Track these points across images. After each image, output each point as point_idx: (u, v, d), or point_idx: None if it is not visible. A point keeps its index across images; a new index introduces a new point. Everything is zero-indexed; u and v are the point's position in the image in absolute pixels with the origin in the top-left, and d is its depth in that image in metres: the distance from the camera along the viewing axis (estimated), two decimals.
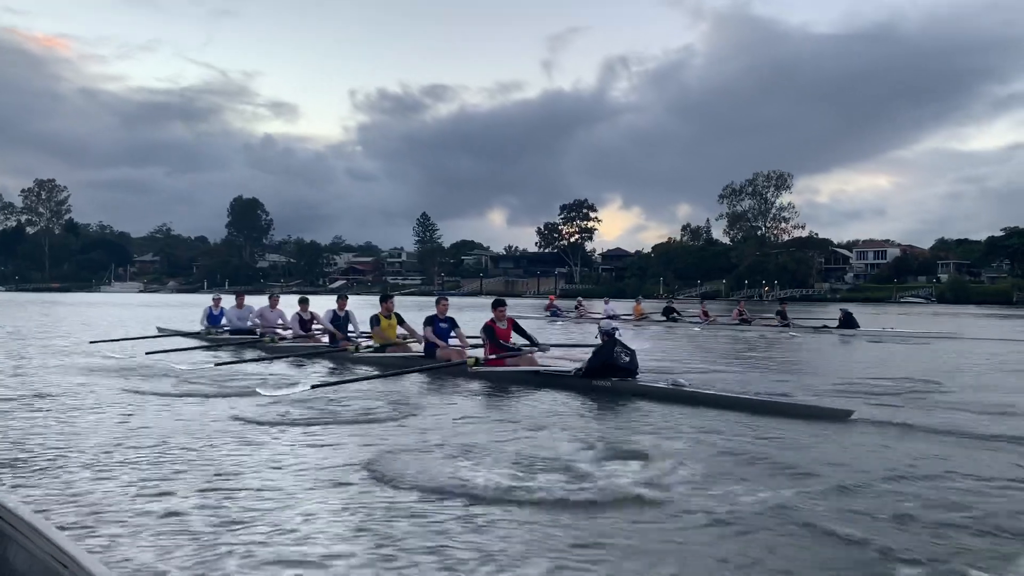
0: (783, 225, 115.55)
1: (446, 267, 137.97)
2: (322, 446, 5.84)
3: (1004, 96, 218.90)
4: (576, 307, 31.66)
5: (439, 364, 10.43)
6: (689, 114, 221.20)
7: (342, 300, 13.68)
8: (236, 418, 6.97)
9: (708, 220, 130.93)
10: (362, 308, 14.27)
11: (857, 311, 27.10)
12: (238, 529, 3.83)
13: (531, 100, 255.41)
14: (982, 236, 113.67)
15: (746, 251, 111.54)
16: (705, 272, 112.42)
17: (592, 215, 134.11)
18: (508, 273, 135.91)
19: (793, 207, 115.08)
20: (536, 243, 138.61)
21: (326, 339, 13.55)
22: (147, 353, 12.25)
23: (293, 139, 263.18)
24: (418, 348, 11.92)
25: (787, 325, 23.80)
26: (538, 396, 8.74)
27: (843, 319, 22.39)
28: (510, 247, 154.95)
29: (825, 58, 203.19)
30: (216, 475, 4.89)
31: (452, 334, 11.56)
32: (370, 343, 12.29)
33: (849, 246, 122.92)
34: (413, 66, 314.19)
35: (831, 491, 4.65)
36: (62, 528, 2.83)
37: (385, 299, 12.54)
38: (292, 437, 6.19)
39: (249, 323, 15.38)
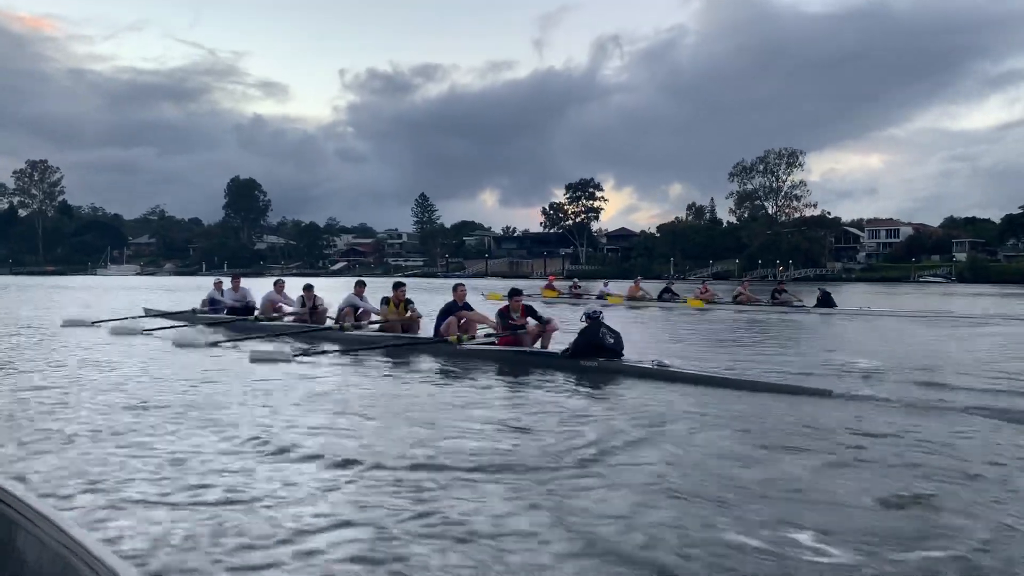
0: (795, 204, 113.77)
1: (448, 248, 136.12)
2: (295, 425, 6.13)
3: (996, 74, 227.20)
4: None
5: (422, 340, 11.00)
6: (681, 94, 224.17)
7: (360, 287, 13.98)
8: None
9: (712, 199, 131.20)
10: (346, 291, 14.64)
11: (875, 292, 27.74)
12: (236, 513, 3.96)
13: (522, 80, 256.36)
14: (975, 215, 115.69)
15: (757, 230, 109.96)
16: (713, 252, 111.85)
17: (598, 194, 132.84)
18: (512, 254, 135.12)
19: (805, 185, 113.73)
20: (541, 223, 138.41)
21: (329, 321, 14.09)
22: (144, 331, 13.43)
23: (283, 119, 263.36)
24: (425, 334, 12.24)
25: (783, 303, 24.75)
26: (526, 375, 9.19)
27: (821, 299, 23.87)
28: (507, 228, 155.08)
29: (817, 37, 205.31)
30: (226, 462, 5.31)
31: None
32: (374, 323, 12.94)
33: (858, 224, 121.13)
34: (403, 45, 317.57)
35: (809, 464, 5.01)
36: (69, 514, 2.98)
37: (397, 287, 13.00)
38: (271, 409, 6.67)
39: (248, 303, 15.91)
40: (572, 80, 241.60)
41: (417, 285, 36.19)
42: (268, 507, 4.05)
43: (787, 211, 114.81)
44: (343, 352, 11.04)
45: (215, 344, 11.77)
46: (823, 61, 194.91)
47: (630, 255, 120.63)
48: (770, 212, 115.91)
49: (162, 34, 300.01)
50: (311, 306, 14.44)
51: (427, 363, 10.25)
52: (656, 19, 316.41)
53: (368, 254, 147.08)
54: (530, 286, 34.20)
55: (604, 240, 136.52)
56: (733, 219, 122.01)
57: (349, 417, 6.45)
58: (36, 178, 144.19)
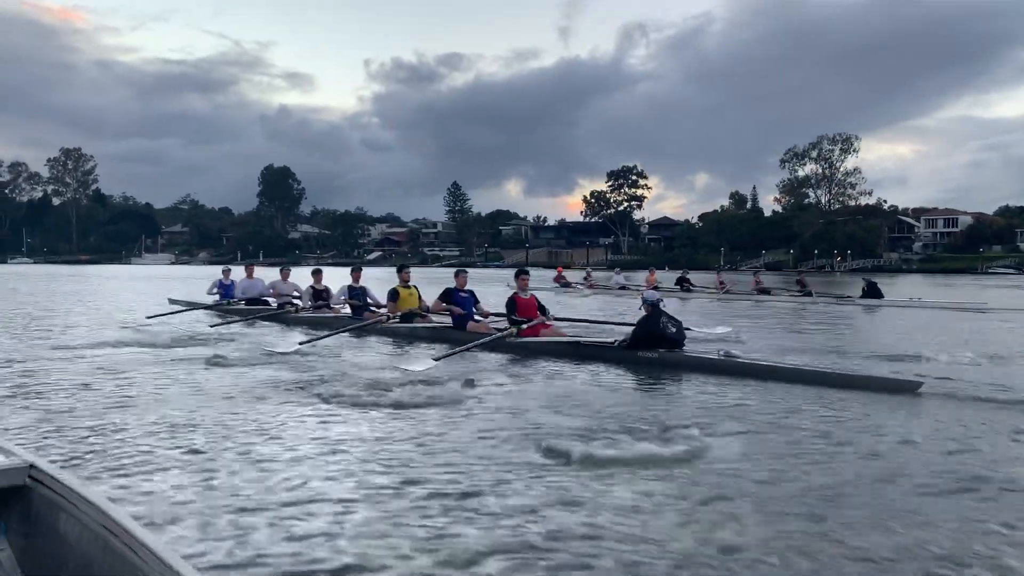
0: (850, 191, 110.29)
1: (485, 238, 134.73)
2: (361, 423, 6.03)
3: None
4: (584, 278, 32.06)
5: (485, 339, 10.20)
6: (707, 82, 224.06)
7: (356, 272, 13.98)
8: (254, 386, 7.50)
9: (755, 187, 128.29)
10: (386, 283, 14.40)
11: (940, 283, 26.66)
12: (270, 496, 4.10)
13: (547, 68, 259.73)
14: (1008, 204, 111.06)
15: (808, 220, 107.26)
16: (761, 242, 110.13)
17: (641, 182, 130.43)
18: (551, 244, 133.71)
19: (859, 172, 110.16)
20: (582, 212, 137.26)
21: (346, 311, 13.81)
22: (148, 317, 13.86)
23: (309, 110, 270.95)
24: (440, 320, 12.03)
25: (808, 294, 24.41)
26: (581, 368, 8.87)
27: (867, 289, 22.92)
28: (537, 217, 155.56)
29: (846, 23, 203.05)
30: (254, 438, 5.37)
31: (473, 308, 11.78)
32: (396, 315, 12.20)
33: (911, 213, 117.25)
34: (428, 34, 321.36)
35: (897, 472, 4.63)
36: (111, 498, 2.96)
37: (401, 269, 13.02)
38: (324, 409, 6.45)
39: (261, 294, 15.80)
40: (598, 69, 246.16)
41: (478, 277, 35.43)
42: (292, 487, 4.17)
43: (841, 199, 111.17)
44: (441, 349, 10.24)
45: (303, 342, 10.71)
46: (852, 48, 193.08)
47: (673, 245, 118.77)
48: (822, 200, 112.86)
49: (187, 24, 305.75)
50: (320, 289, 14.38)
51: (489, 358, 9.82)
52: (683, 6, 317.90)
53: (403, 243, 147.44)
54: (572, 276, 33.92)
55: (645, 229, 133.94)
56: (778, 208, 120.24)
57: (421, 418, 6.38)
58: (70, 166, 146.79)
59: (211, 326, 13.01)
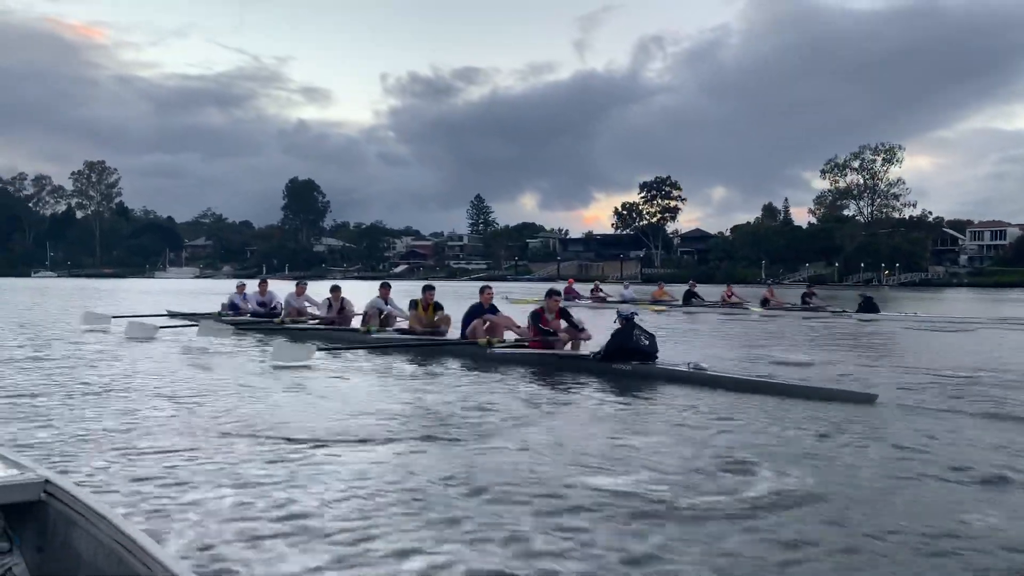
0: (893, 203, 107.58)
1: (513, 251, 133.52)
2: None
3: None
4: (592, 291, 32.51)
5: (452, 342, 11.09)
6: (724, 95, 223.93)
7: (385, 289, 14.04)
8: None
9: (787, 199, 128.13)
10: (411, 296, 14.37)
11: (993, 299, 27.44)
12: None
13: (563, 82, 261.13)
14: None
15: (851, 232, 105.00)
16: (799, 254, 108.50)
17: (675, 193, 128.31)
18: (580, 256, 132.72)
19: (903, 183, 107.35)
20: (613, 224, 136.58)
21: (355, 323, 14.27)
22: (160, 327, 14.08)
23: (326, 124, 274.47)
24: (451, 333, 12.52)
25: (811, 308, 24.59)
26: (555, 379, 9.28)
27: (863, 304, 22.79)
28: (559, 230, 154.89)
29: (865, 35, 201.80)
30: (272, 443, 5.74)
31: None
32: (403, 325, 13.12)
33: (954, 225, 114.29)
34: (444, 49, 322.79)
35: (852, 478, 4.90)
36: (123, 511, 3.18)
37: (426, 290, 13.18)
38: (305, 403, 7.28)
39: (274, 307, 16.19)
40: (614, 82, 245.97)
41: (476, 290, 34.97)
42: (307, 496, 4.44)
43: (885, 211, 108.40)
44: (369, 353, 11.48)
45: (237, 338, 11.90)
46: (872, 60, 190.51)
47: (707, 258, 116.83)
48: (864, 212, 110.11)
49: (206, 39, 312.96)
50: (338, 308, 14.66)
51: (453, 366, 10.48)
52: (699, 19, 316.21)
53: (428, 256, 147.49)
54: (581, 290, 33.94)
55: (678, 241, 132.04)
56: (813, 220, 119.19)
57: (362, 417, 6.74)
58: (94, 179, 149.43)
59: (226, 338, 13.49)
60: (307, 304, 15.57)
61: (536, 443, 5.76)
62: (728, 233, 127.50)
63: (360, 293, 15.38)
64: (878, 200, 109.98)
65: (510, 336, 11.25)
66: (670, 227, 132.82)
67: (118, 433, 5.97)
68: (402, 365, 10.46)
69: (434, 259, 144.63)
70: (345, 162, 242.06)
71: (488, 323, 11.44)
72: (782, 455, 5.42)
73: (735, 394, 8.05)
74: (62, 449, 5.43)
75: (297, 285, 16.06)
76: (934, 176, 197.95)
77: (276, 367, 9.89)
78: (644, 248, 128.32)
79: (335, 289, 14.97)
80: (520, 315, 12.76)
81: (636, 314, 9.85)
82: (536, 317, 10.95)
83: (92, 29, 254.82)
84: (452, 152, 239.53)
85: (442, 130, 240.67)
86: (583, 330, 10.80)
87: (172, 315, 18.29)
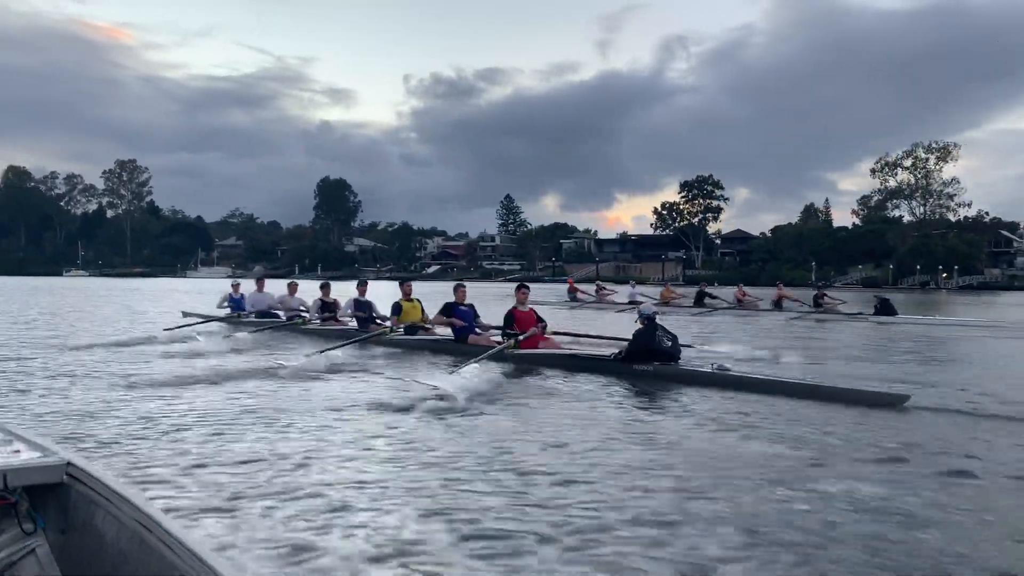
0: (948, 203, 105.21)
1: (547, 252, 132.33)
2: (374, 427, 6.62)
3: None
4: (596, 291, 32.56)
5: (486, 351, 10.69)
6: (749, 95, 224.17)
7: (362, 287, 14.83)
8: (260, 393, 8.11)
9: (827, 200, 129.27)
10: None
11: None
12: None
13: (586, 82, 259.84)
14: None
15: (902, 233, 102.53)
16: (846, 256, 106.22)
17: (717, 192, 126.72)
18: (616, 258, 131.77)
19: (958, 182, 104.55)
20: (652, 224, 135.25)
21: (352, 324, 14.57)
22: (165, 329, 14.36)
23: (349, 125, 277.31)
24: (443, 332, 12.69)
25: (823, 309, 24.63)
26: (577, 380, 9.30)
27: (879, 307, 22.49)
28: (587, 230, 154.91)
29: (891, 35, 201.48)
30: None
31: (473, 322, 12.31)
32: (399, 327, 13.06)
33: (1006, 226, 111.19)
34: (467, 49, 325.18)
35: (883, 483, 4.80)
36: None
37: (404, 282, 13.75)
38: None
39: (270, 307, 16.68)
40: (636, 82, 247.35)
41: (541, 293, 35.12)
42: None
43: (939, 211, 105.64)
44: (389, 353, 11.87)
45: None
46: (898, 60, 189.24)
47: (750, 259, 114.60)
48: (916, 212, 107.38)
49: (230, 40, 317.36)
50: (328, 302, 15.40)
51: (488, 369, 10.13)
52: (723, 18, 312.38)
53: (460, 257, 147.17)
54: (651, 291, 34.03)
55: (719, 242, 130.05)
56: (856, 221, 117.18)
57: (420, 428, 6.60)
58: (125, 178, 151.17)
59: (224, 337, 13.80)
60: (300, 304, 16.15)
61: (551, 444, 5.86)
62: (768, 234, 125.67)
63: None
64: (931, 200, 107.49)
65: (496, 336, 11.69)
66: (711, 228, 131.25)
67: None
68: (422, 364, 10.74)
69: (466, 259, 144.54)
70: (367, 163, 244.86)
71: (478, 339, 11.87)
72: (814, 460, 5.41)
73: (759, 395, 8.09)
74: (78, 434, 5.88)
75: (289, 285, 16.85)
76: (964, 177, 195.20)
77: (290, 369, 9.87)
78: (683, 249, 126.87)
79: (325, 286, 15.86)
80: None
81: (658, 314, 9.96)
82: (510, 318, 11.29)
83: (118, 30, 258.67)
84: (474, 153, 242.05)
85: (464, 131, 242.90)
86: (541, 320, 11.33)
87: (185, 315, 18.98)
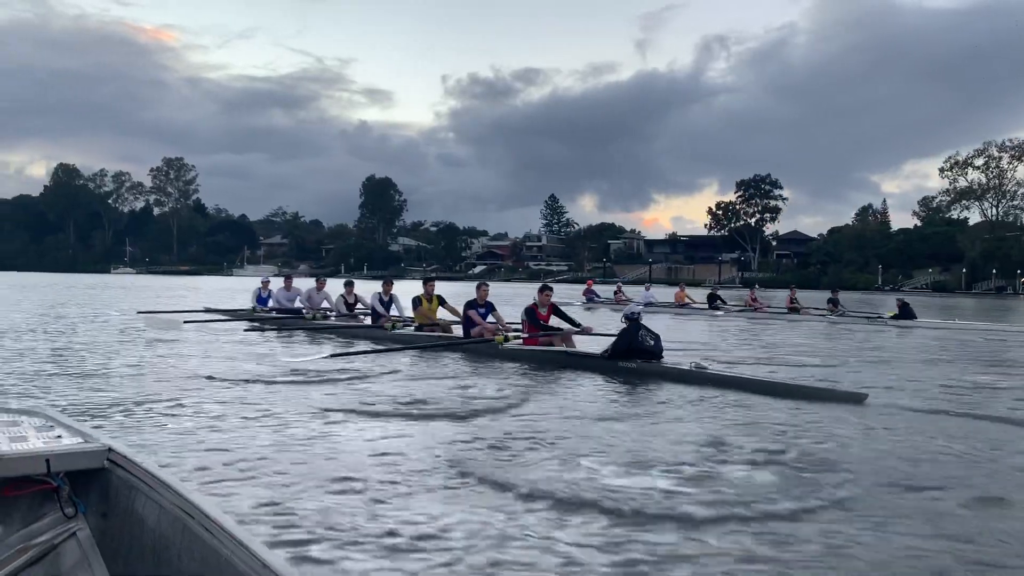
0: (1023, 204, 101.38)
1: (596, 253, 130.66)
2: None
3: None
4: (615, 293, 33.05)
5: (467, 341, 12.04)
6: (790, 95, 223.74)
7: (387, 284, 15.06)
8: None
9: (885, 201, 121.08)
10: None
11: None
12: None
13: (624, 82, 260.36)
14: None
15: (975, 235, 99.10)
16: (909, 259, 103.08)
17: (776, 192, 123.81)
18: (668, 259, 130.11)
19: None
20: (706, 224, 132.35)
21: (368, 320, 15.16)
22: (185, 322, 15.22)
23: (387, 126, 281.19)
24: (458, 330, 13.24)
25: (840, 314, 24.69)
26: (565, 375, 9.99)
27: (900, 310, 22.86)
28: (631, 230, 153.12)
29: (939, 34, 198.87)
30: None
31: (491, 319, 12.77)
32: (410, 323, 14.07)
33: None
34: (504, 50, 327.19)
35: (830, 474, 5.06)
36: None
37: (426, 282, 14.41)
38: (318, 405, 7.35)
39: (297, 304, 17.18)
40: (676, 82, 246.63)
41: (562, 291, 35.02)
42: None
43: (1014, 212, 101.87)
44: (379, 351, 11.74)
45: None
46: (945, 60, 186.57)
47: (808, 262, 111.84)
48: (988, 213, 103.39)
49: (271, 42, 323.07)
50: (352, 303, 16.09)
51: (465, 363, 11.02)
52: (765, 18, 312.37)
53: (506, 257, 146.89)
54: (699, 295, 33.64)
55: (775, 244, 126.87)
56: (917, 222, 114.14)
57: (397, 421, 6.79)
58: (172, 176, 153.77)
59: (244, 330, 14.36)
60: (324, 301, 16.75)
61: (542, 436, 6.07)
62: (824, 235, 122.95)
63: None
64: (1004, 201, 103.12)
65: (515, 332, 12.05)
66: (768, 229, 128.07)
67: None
68: (414, 362, 11.13)
69: (512, 259, 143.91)
70: (406, 163, 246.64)
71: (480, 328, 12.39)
72: (763, 449, 5.66)
73: (732, 391, 8.57)
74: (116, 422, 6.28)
75: (317, 280, 17.54)
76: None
77: (291, 364, 10.38)
78: (738, 250, 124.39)
79: (348, 285, 16.47)
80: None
81: (640, 314, 10.51)
82: (531, 313, 11.94)
83: (162, 32, 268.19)
84: (511, 153, 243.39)
85: (501, 131, 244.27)
86: (580, 325, 11.93)
87: (208, 311, 19.54)
